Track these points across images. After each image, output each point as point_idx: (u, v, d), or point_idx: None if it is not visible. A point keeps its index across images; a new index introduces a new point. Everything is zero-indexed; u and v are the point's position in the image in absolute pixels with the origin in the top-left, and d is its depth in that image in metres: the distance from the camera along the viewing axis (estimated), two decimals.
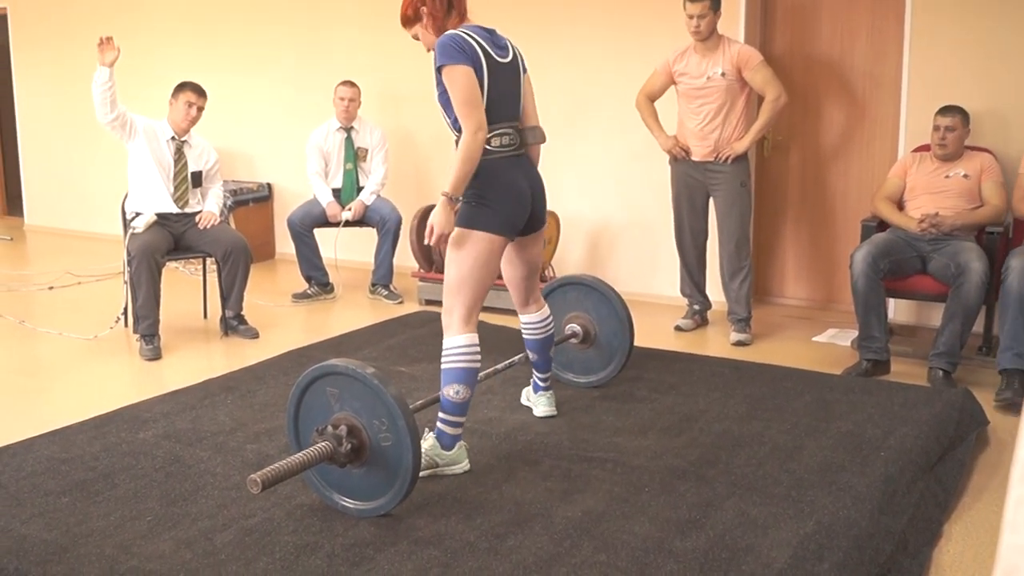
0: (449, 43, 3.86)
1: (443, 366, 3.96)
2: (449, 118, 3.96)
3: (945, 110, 5.82)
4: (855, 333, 5.83)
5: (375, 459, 3.61)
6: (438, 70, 3.87)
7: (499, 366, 4.69)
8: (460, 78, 3.83)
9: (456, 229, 3.94)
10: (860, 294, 5.57)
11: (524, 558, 3.33)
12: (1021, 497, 1.26)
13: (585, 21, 7.54)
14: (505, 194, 3.98)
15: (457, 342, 3.95)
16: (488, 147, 3.92)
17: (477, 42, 3.91)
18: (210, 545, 3.44)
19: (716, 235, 6.52)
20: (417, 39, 4.15)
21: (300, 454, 3.56)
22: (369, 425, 3.60)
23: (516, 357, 4.71)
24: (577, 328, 5.13)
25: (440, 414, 3.99)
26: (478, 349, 3.98)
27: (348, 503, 3.72)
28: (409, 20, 4.10)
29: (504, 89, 4.01)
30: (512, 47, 4.13)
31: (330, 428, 3.63)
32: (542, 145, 4.36)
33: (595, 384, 5.19)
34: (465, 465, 4.03)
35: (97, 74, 6.15)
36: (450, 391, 3.94)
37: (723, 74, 6.18)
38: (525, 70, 4.22)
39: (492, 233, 3.95)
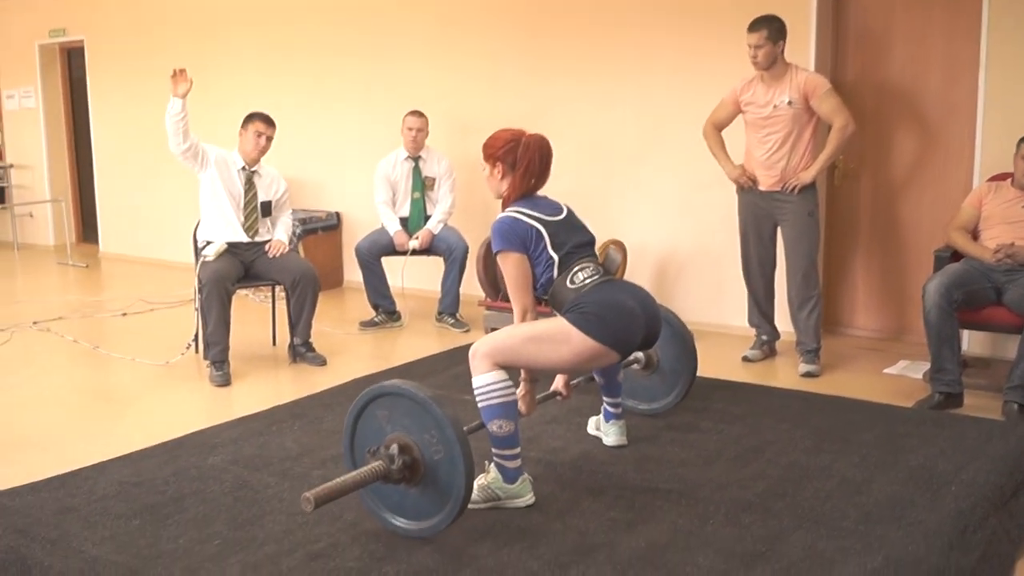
0: (503, 229, 4.09)
1: (479, 404, 3.93)
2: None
3: None
4: (927, 365, 5.73)
5: (429, 476, 3.64)
6: (495, 253, 4.13)
7: (545, 394, 4.64)
8: (511, 266, 4.10)
9: (563, 321, 3.97)
10: (933, 326, 5.47)
11: None
12: None
13: (655, 53, 7.53)
14: (615, 310, 3.97)
15: (486, 379, 3.91)
16: (573, 284, 4.05)
17: (529, 217, 4.10)
18: (276, 569, 3.47)
19: (784, 265, 6.47)
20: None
21: (353, 473, 3.60)
22: (420, 441, 3.63)
23: (550, 390, 4.66)
24: (639, 354, 5.10)
25: (493, 450, 3.98)
26: (509, 381, 3.94)
27: (404, 524, 3.75)
28: (488, 158, 4.23)
29: (568, 238, 4.15)
30: (564, 206, 4.27)
31: (382, 449, 3.66)
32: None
33: (659, 411, 5.16)
34: (528, 499, 4.00)
35: (170, 105, 6.25)
36: (493, 427, 3.91)
37: (790, 103, 6.14)
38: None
39: (599, 343, 3.92)
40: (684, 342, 5.08)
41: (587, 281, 4.04)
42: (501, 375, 3.91)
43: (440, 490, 3.63)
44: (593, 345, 3.91)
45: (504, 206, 4.19)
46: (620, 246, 7.28)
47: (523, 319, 4.10)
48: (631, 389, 5.15)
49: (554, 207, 4.21)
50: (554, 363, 4.01)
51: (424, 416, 3.61)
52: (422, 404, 3.60)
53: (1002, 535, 3.82)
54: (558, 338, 3.93)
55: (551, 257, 4.06)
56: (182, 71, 6.27)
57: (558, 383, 4.58)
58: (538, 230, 4.06)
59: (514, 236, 4.06)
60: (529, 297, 4.11)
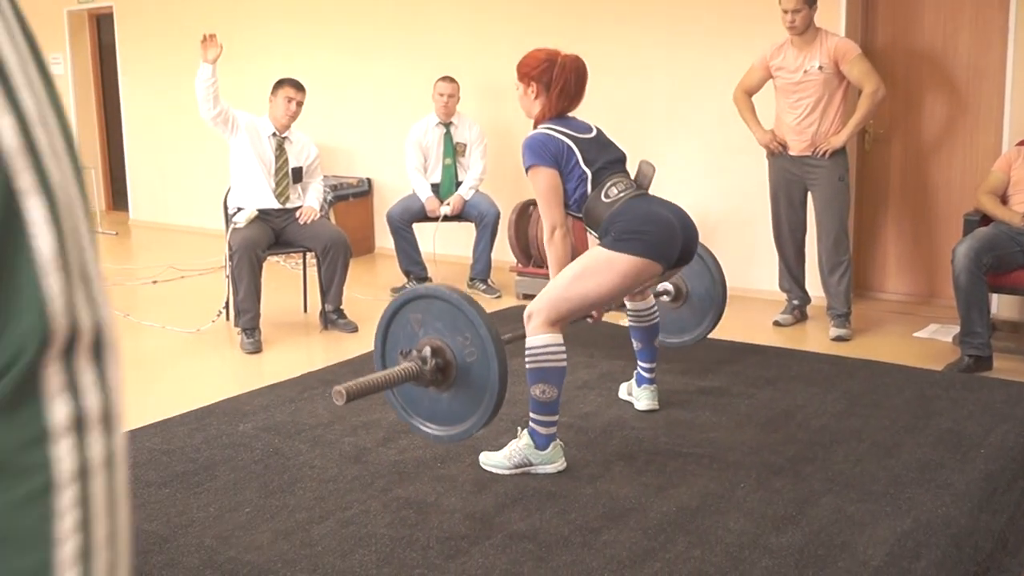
0: (535, 145, 4.09)
1: (527, 366, 3.94)
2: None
3: None
4: (957, 328, 5.73)
5: (461, 378, 3.63)
6: (526, 169, 4.11)
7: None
8: (542, 180, 4.09)
9: (599, 249, 3.97)
10: (962, 289, 5.47)
11: (618, 552, 3.34)
12: None
13: (685, 17, 7.49)
14: (641, 220, 3.97)
15: (539, 341, 3.91)
16: (608, 198, 4.04)
17: (561, 133, 4.10)
18: (307, 537, 3.50)
19: (815, 230, 6.45)
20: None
21: (385, 371, 3.62)
22: (453, 343, 3.62)
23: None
24: (668, 286, 5.08)
25: (531, 414, 3.99)
26: (563, 347, 3.93)
27: (436, 430, 3.77)
28: (523, 77, 4.25)
29: (599, 155, 4.15)
30: (593, 126, 4.28)
31: (414, 351, 3.66)
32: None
33: (688, 343, 5.15)
34: (560, 464, 4.01)
35: (200, 71, 6.27)
36: (536, 391, 3.92)
37: (820, 68, 6.12)
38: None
39: (630, 255, 3.91)
40: (712, 271, 5.04)
41: (621, 195, 4.04)
42: (556, 339, 3.92)
43: (473, 392, 3.62)
44: (636, 261, 3.90)
45: (536, 126, 4.19)
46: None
47: (552, 235, 4.09)
48: (660, 323, 5.11)
49: (584, 126, 4.22)
50: (605, 292, 3.96)
51: (457, 318, 3.60)
52: (456, 305, 3.59)
53: None
54: (601, 267, 3.92)
55: (584, 172, 4.07)
56: (212, 36, 6.29)
57: None
58: (569, 146, 4.07)
59: (546, 152, 4.06)
60: (560, 212, 4.10)
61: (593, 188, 4.07)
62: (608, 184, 4.07)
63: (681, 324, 5.17)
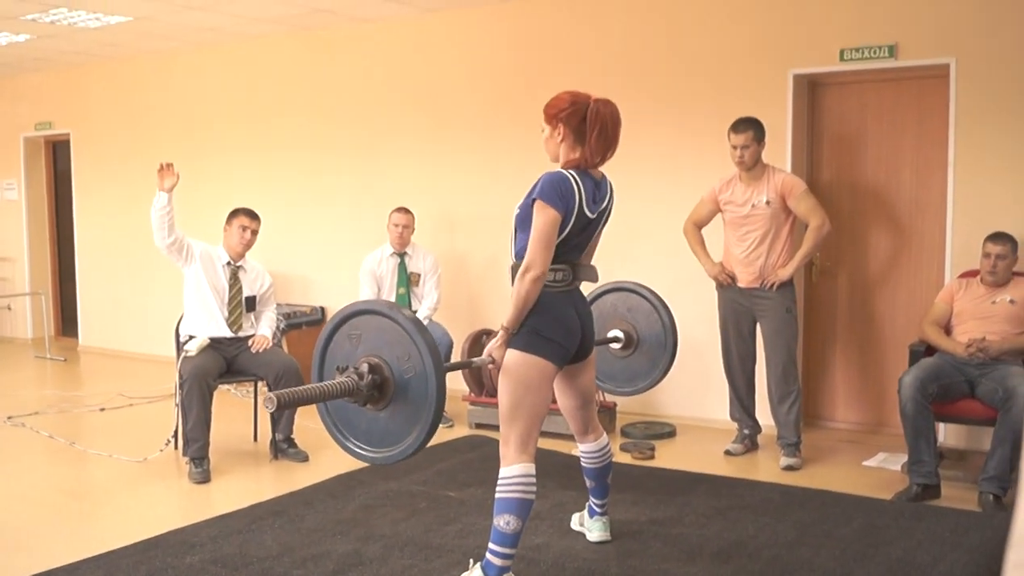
0: (556, 184, 3.94)
1: (496, 495, 3.93)
2: (516, 243, 4.08)
3: (996, 237, 5.83)
4: (905, 457, 5.78)
5: (399, 394, 3.60)
6: (533, 199, 3.94)
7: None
8: (544, 218, 3.91)
9: (508, 354, 3.98)
10: (909, 418, 5.54)
11: None
12: (1019, 562, 1.29)
13: (637, 153, 7.61)
14: (558, 325, 4.00)
15: (511, 472, 3.91)
16: (545, 279, 3.99)
17: (580, 193, 3.97)
18: None
19: (764, 360, 6.53)
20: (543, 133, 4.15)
21: (322, 383, 3.59)
22: (391, 359, 3.59)
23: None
24: (619, 332, 5.07)
25: (490, 544, 3.95)
26: (534, 480, 3.93)
27: (373, 453, 3.74)
28: (550, 119, 4.09)
29: (579, 239, 4.09)
30: (608, 198, 4.17)
31: (351, 368, 3.63)
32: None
33: (643, 390, 5.15)
34: None
35: (156, 199, 6.30)
36: (500, 521, 3.90)
37: (768, 202, 6.26)
38: (608, 218, 4.23)
39: (543, 359, 3.96)
40: (662, 317, 5.03)
41: (553, 284, 4.01)
42: (528, 469, 3.92)
43: (412, 408, 3.58)
44: (539, 360, 3.95)
45: (565, 167, 4.05)
46: None
47: (526, 273, 3.92)
48: (610, 372, 5.06)
49: (602, 195, 4.12)
50: (535, 388, 3.96)
51: (393, 332, 3.58)
52: (394, 320, 3.57)
53: None
54: (520, 370, 3.94)
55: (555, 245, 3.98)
56: (169, 165, 6.31)
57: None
58: (574, 214, 3.95)
59: (563, 196, 3.92)
60: (546, 257, 3.92)
61: None
62: (555, 267, 4.00)
63: (632, 372, 5.14)
